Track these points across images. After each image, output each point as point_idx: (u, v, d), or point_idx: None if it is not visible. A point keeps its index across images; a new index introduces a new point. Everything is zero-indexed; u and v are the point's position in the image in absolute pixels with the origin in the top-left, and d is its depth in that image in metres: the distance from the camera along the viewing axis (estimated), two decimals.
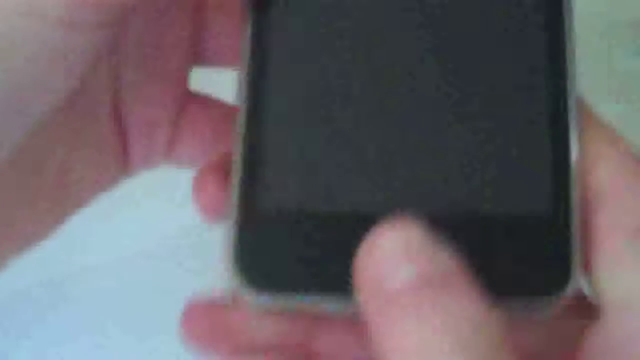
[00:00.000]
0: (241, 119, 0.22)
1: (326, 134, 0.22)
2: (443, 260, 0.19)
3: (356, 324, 0.20)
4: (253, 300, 0.21)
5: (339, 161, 0.22)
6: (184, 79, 0.27)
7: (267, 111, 0.22)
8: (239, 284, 0.21)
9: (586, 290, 0.22)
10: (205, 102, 0.27)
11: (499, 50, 0.23)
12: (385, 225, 0.20)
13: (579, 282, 0.21)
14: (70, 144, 0.25)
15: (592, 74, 0.46)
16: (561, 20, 0.23)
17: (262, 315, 0.22)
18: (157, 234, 0.40)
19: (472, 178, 0.22)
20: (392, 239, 0.19)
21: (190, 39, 0.26)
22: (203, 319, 0.23)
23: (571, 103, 0.22)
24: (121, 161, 0.26)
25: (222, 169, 0.23)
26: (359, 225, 0.20)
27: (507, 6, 0.23)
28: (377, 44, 0.23)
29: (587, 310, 0.22)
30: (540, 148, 0.22)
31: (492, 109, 0.22)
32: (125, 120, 0.26)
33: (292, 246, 0.21)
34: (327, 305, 0.21)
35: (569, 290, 0.21)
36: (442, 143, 0.22)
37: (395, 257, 0.19)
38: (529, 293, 0.21)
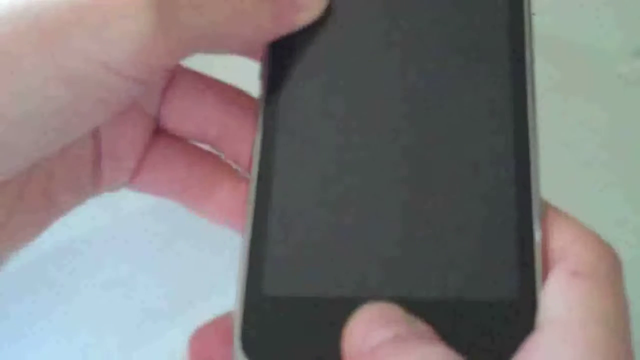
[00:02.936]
0: (249, 217, 0.25)
1: (326, 227, 0.25)
2: (417, 325, 0.23)
3: None
4: None
5: (335, 251, 0.25)
6: (153, 121, 0.30)
7: (274, 210, 0.25)
8: None
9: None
10: (172, 141, 0.30)
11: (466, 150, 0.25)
12: (367, 304, 0.23)
13: None
14: (56, 164, 0.27)
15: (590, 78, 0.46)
16: (526, 122, 0.25)
17: None
18: None
19: (445, 266, 0.24)
20: (372, 312, 0.23)
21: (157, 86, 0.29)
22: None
23: (535, 195, 0.24)
24: (94, 183, 0.29)
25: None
26: (353, 309, 0.23)
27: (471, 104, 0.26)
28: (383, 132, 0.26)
29: None
30: (507, 238, 0.24)
31: (463, 207, 0.25)
32: (100, 149, 0.29)
33: (293, 329, 0.24)
34: None
35: None
36: (422, 241, 0.25)
37: (375, 323, 0.23)
38: None
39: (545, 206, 0.25)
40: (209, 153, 0.30)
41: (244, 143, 0.28)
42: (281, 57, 0.27)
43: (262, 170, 0.26)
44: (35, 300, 0.41)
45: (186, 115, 0.29)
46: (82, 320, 0.41)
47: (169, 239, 0.42)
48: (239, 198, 0.28)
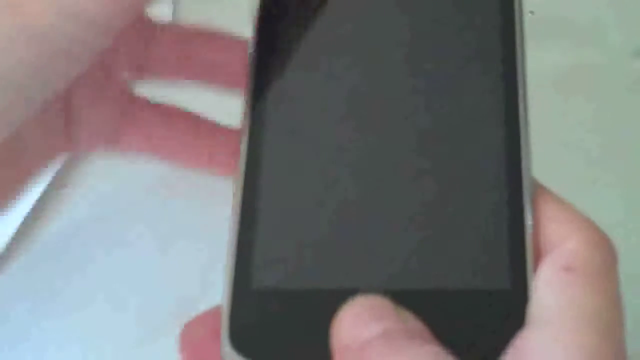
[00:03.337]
0: (236, 208, 0.25)
1: (314, 219, 0.25)
2: (408, 321, 0.22)
3: None
4: None
5: (324, 243, 0.25)
6: (127, 85, 0.30)
7: (261, 202, 0.25)
8: (233, 356, 0.24)
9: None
10: (149, 106, 0.31)
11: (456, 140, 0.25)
12: (356, 296, 0.23)
13: None
14: (25, 130, 0.27)
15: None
16: (516, 108, 0.25)
17: None
18: None
19: (434, 256, 0.24)
20: (362, 305, 0.23)
21: (136, 50, 0.30)
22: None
23: (525, 180, 0.24)
24: (64, 142, 0.29)
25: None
26: (342, 301, 0.23)
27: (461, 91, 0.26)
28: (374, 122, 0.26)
29: None
30: (497, 227, 0.24)
31: (452, 194, 0.25)
32: (73, 112, 0.29)
33: (282, 323, 0.24)
34: None
35: None
36: (411, 230, 0.25)
37: (364, 317, 0.22)
38: None
39: (538, 189, 0.24)
40: (185, 112, 0.31)
41: (240, 72, 0.27)
42: (271, 37, 0.27)
43: (249, 163, 0.25)
44: (35, 301, 0.41)
45: (177, 56, 0.30)
46: (81, 322, 0.41)
47: (169, 238, 0.42)
48: (223, 146, 0.29)
